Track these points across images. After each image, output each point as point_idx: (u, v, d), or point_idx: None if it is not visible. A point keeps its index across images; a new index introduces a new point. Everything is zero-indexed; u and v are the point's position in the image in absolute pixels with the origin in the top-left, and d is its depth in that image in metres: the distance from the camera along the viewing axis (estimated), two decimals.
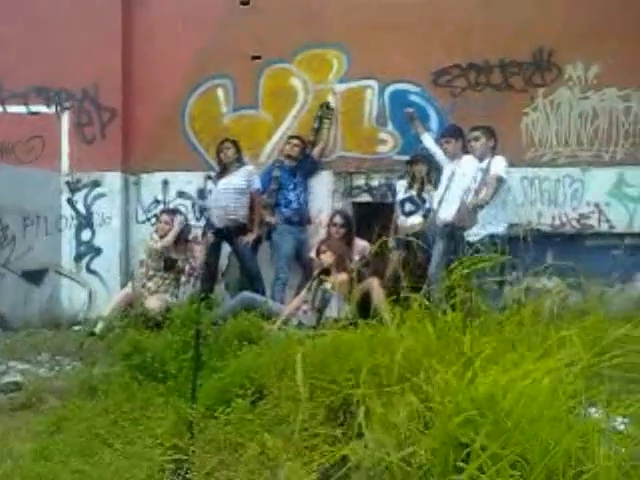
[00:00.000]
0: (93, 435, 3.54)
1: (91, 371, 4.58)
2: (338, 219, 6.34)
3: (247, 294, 6.05)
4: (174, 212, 6.81)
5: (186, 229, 6.72)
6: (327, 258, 5.74)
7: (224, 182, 6.70)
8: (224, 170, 6.78)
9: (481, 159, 5.95)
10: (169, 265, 6.52)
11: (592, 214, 6.75)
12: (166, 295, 6.46)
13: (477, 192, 5.80)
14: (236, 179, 6.69)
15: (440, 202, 6.21)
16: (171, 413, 3.59)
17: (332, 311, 5.48)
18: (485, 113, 6.66)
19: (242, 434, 3.26)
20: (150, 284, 6.51)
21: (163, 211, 6.93)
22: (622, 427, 2.80)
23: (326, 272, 5.75)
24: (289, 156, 6.86)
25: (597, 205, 6.73)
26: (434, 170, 6.54)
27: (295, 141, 6.89)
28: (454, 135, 6.33)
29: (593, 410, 2.86)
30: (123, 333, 4.70)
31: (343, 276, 5.57)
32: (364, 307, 4.73)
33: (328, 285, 5.65)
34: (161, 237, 6.56)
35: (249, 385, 3.58)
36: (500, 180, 5.76)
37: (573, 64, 6.75)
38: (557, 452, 2.47)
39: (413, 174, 6.54)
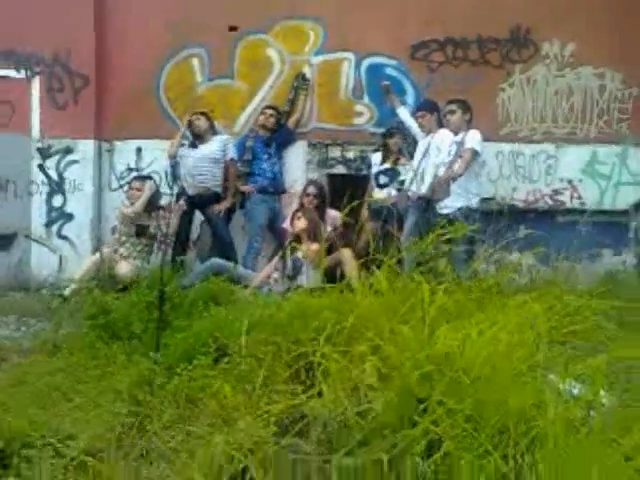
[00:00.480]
0: (53, 389, 3.52)
1: (56, 330, 4.55)
2: (312, 189, 6.33)
3: (216, 260, 6.04)
4: (145, 178, 6.76)
5: (157, 195, 6.67)
6: (301, 224, 5.75)
7: (197, 151, 6.68)
8: (197, 139, 6.75)
9: (456, 132, 5.96)
10: (140, 231, 6.49)
11: (565, 190, 6.80)
12: (137, 261, 6.43)
13: (451, 165, 5.82)
14: (210, 148, 6.68)
15: (414, 175, 6.22)
16: (133, 370, 3.58)
17: (303, 279, 5.49)
18: (462, 88, 6.65)
19: (203, 390, 3.27)
20: (122, 250, 6.50)
21: (134, 177, 6.89)
22: (576, 391, 2.82)
23: (298, 240, 5.75)
24: (264, 126, 6.83)
25: (570, 182, 6.78)
26: (409, 143, 6.54)
27: (270, 111, 6.85)
28: (429, 109, 6.33)
29: (552, 376, 2.88)
30: (89, 294, 4.66)
31: (315, 245, 5.58)
32: (334, 276, 4.74)
33: (300, 253, 5.66)
34: (132, 203, 6.52)
35: (213, 344, 3.58)
36: (475, 153, 5.78)
37: (550, 41, 6.76)
38: (510, 409, 2.49)
39: (388, 147, 6.54)
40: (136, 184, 6.61)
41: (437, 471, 2.35)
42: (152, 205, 6.57)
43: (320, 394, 3.04)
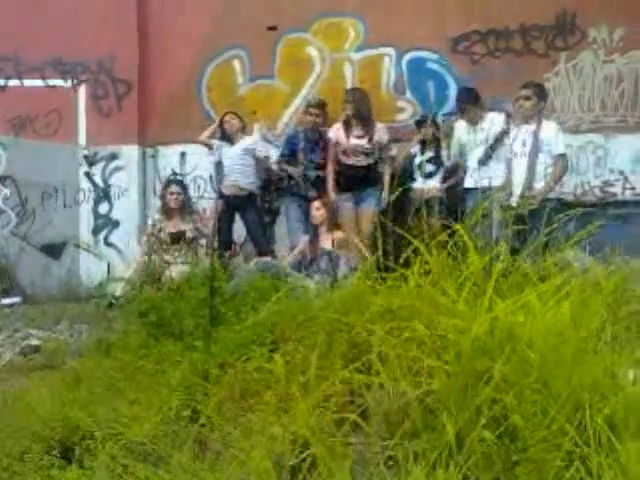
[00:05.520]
0: (108, 387, 3.51)
1: (107, 332, 4.56)
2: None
3: (261, 259, 6.02)
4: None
5: (189, 200, 6.68)
6: (320, 216, 5.86)
7: (230, 150, 6.69)
8: (228, 140, 6.76)
9: (528, 121, 5.78)
10: (176, 237, 6.46)
11: (616, 182, 6.58)
12: (184, 267, 6.38)
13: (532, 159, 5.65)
14: (242, 147, 6.68)
15: (465, 169, 6.15)
16: (186, 365, 3.55)
17: (343, 270, 5.42)
18: (505, 79, 6.52)
19: (258, 382, 3.21)
20: (167, 257, 6.45)
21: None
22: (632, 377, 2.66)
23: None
24: (310, 123, 6.70)
25: (622, 172, 6.56)
26: (442, 132, 6.42)
27: (316, 111, 6.69)
28: (470, 98, 6.20)
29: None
30: (140, 292, 4.66)
31: (339, 233, 5.65)
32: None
33: (327, 245, 5.65)
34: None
35: (267, 335, 3.53)
36: (564, 159, 5.70)
37: (597, 27, 6.56)
38: (581, 384, 2.37)
39: (423, 137, 6.41)
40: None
41: (508, 451, 2.25)
42: (185, 210, 6.55)
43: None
